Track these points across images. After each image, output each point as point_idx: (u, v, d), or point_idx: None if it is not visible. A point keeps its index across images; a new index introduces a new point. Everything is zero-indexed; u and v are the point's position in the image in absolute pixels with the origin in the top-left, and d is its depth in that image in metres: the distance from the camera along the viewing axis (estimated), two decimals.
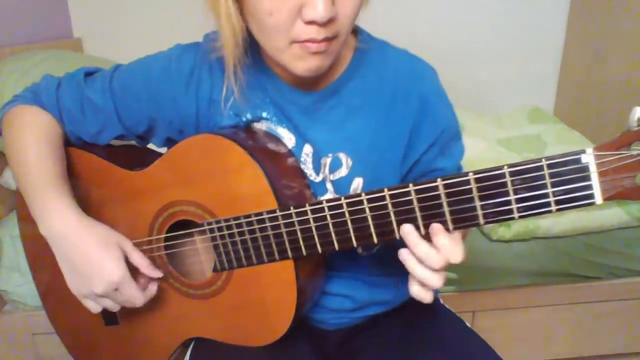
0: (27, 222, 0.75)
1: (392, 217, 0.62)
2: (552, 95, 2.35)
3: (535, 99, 2.28)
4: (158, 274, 0.79)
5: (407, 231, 0.61)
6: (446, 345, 0.85)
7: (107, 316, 0.88)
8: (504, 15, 2.23)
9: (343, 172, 0.78)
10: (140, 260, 0.78)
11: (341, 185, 0.79)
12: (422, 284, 0.62)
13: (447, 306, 0.96)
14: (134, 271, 0.76)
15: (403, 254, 0.62)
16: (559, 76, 2.31)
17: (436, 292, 0.97)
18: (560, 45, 2.26)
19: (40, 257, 0.84)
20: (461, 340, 0.86)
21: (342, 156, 0.78)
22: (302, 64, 0.66)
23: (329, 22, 0.62)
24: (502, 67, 2.31)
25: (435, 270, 0.60)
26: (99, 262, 0.72)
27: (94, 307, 0.76)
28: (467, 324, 0.90)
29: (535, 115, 2.11)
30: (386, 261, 0.87)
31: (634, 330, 1.55)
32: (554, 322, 1.54)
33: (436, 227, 0.60)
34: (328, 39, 0.64)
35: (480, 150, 1.72)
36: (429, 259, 0.60)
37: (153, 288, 0.80)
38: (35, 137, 0.79)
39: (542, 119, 2.07)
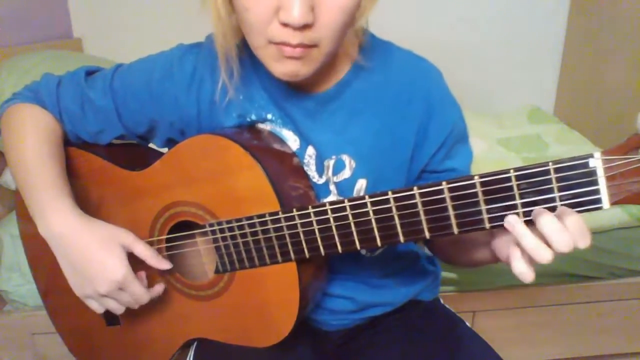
0: (27, 222, 0.75)
1: (396, 221, 0.61)
2: (552, 95, 2.35)
3: (535, 99, 2.28)
4: (166, 265, 0.78)
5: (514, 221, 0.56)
6: (446, 345, 0.85)
7: (109, 316, 0.88)
8: (504, 15, 2.23)
9: (346, 173, 0.78)
10: (145, 252, 0.76)
11: (345, 187, 0.78)
12: (531, 261, 0.57)
13: (447, 306, 0.96)
14: (138, 267, 0.76)
15: (516, 226, 0.56)
16: (559, 76, 2.31)
17: (436, 292, 0.97)
18: (560, 45, 2.26)
19: (41, 256, 0.84)
20: (461, 340, 0.86)
21: (346, 158, 0.77)
22: (279, 66, 0.65)
23: (305, 28, 0.61)
24: (502, 67, 2.31)
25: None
26: (101, 262, 0.72)
27: (97, 307, 0.76)
28: (467, 324, 0.90)
29: (535, 115, 2.11)
30: (388, 263, 0.87)
31: (634, 330, 1.55)
32: (554, 322, 1.54)
33: (564, 208, 0.55)
34: (304, 46, 0.63)
35: (480, 150, 1.72)
36: (559, 239, 0.54)
37: (159, 288, 0.79)
38: (35, 137, 0.78)
39: (542, 119, 2.07)
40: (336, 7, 0.61)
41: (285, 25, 0.60)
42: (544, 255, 0.55)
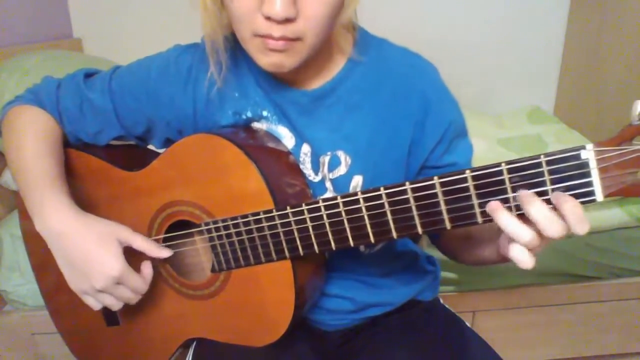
0: (30, 221, 0.76)
1: (389, 216, 0.61)
2: (552, 95, 2.35)
3: (535, 99, 2.27)
4: (166, 253, 0.79)
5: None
6: (446, 345, 0.85)
7: (109, 316, 0.89)
8: (504, 15, 2.22)
9: (342, 170, 0.78)
10: (144, 245, 0.77)
11: (340, 184, 0.78)
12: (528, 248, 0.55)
13: (447, 306, 0.96)
14: (135, 260, 0.76)
15: (501, 215, 0.54)
16: (559, 76, 2.30)
17: (436, 292, 0.97)
18: (560, 45, 2.26)
19: (43, 256, 0.84)
20: (461, 340, 0.86)
21: (341, 154, 0.77)
22: (265, 58, 0.67)
23: (288, 21, 0.62)
24: (502, 67, 2.30)
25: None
26: (98, 258, 0.72)
27: (94, 304, 0.76)
28: (467, 324, 0.90)
29: (535, 115, 2.11)
30: (387, 262, 0.87)
31: (633, 330, 1.54)
32: (554, 322, 1.54)
33: (563, 195, 0.52)
34: (287, 39, 0.63)
35: (480, 151, 1.70)
36: (550, 223, 0.52)
37: (148, 269, 0.79)
38: (34, 136, 0.79)
39: (542, 119, 2.06)
40: (319, 0, 0.62)
41: (268, 18, 0.62)
42: (522, 234, 0.53)
